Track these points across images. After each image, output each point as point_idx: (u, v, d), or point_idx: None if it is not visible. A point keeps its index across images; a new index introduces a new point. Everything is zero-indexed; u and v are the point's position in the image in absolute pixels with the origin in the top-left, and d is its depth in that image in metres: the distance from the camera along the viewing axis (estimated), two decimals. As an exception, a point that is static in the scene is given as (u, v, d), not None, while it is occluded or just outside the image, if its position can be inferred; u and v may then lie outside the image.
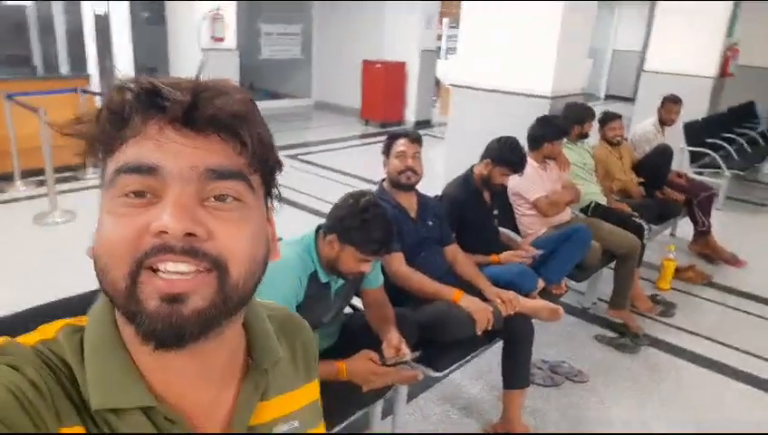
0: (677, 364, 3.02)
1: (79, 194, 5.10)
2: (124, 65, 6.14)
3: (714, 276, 4.04)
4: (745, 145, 6.30)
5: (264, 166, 0.59)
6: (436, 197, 2.83)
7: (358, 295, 2.09)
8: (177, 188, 0.53)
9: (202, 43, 6.22)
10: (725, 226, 4.50)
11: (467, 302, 2.17)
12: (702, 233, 4.36)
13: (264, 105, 10.04)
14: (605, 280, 3.51)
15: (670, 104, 4.42)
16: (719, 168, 5.64)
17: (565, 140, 3.57)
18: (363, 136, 8.73)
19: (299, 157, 7.06)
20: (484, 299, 2.29)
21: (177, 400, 0.59)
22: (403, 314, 2.06)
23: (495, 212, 2.98)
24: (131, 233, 0.52)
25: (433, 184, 3.06)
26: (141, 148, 0.54)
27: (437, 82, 10.23)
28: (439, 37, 9.87)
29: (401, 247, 2.31)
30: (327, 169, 6.58)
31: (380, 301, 2.05)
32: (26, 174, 5.16)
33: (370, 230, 1.75)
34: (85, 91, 5.33)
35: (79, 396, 0.55)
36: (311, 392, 0.75)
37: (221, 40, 6.36)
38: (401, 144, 2.38)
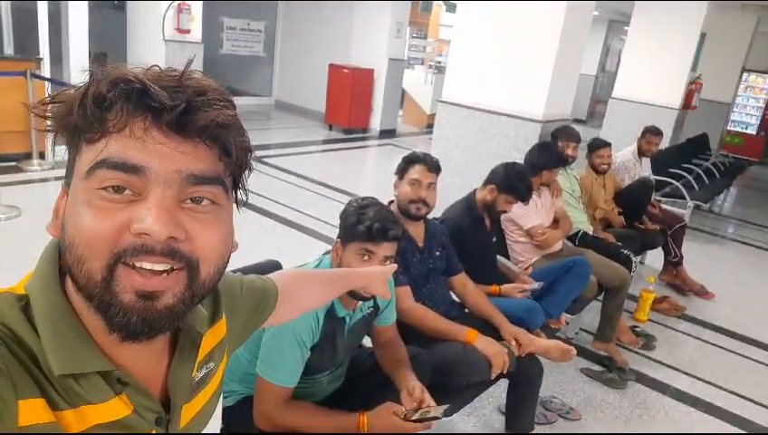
0: (664, 402, 2.98)
1: (23, 187, 4.64)
2: (77, 50, 5.67)
3: (687, 308, 4.08)
4: (703, 175, 6.51)
5: (239, 170, 0.63)
6: (436, 219, 2.68)
7: (368, 334, 1.90)
8: (159, 192, 0.55)
9: (166, 33, 5.83)
10: (689, 256, 4.58)
11: (483, 344, 2.01)
12: (673, 263, 4.41)
13: (222, 102, 9.62)
14: (587, 310, 3.45)
15: (651, 136, 4.46)
16: (681, 197, 5.77)
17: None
18: (326, 141, 8.51)
19: (262, 159, 6.75)
20: (498, 336, 2.15)
21: (126, 362, 0.62)
22: (417, 354, 1.88)
23: (494, 239, 2.86)
24: (111, 229, 0.54)
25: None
26: (127, 146, 0.54)
27: (402, 92, 10.12)
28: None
29: (408, 280, 2.14)
30: (288, 173, 6.32)
31: (393, 340, 1.87)
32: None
33: (365, 216, 1.59)
34: (35, 76, 4.86)
35: (36, 366, 0.56)
36: (219, 332, 0.79)
37: (187, 32, 6.00)
38: (417, 171, 2.20)
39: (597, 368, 3.16)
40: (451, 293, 2.45)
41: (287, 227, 4.69)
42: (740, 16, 8.28)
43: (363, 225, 1.56)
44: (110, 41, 7.31)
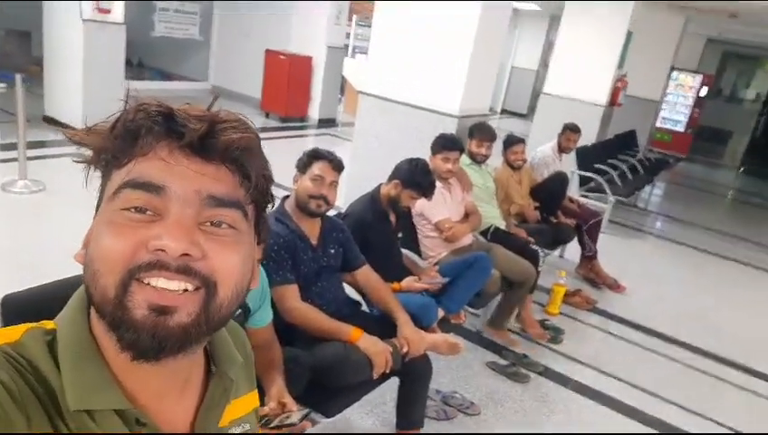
0: (565, 395, 3.07)
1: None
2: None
3: (598, 301, 4.20)
4: (627, 172, 6.73)
5: (261, 198, 0.64)
6: (339, 214, 2.65)
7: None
8: (178, 210, 0.56)
9: (84, 13, 5.53)
10: (608, 249, 4.73)
11: (366, 343, 1.99)
12: (588, 257, 4.53)
13: (156, 86, 9.28)
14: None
15: (570, 133, 4.56)
16: (604, 192, 5.94)
17: (469, 161, 3.53)
18: (263, 129, 8.32)
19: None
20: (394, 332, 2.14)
21: (146, 403, 0.61)
22: (295, 356, 1.85)
23: (400, 235, 2.84)
24: (129, 245, 0.55)
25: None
26: (150, 167, 0.56)
27: (344, 81, 10.01)
28: (347, 35, 9.64)
29: (297, 278, 2.09)
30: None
31: (268, 342, 1.82)
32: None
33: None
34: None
35: (50, 400, 0.55)
36: (254, 399, 0.79)
37: (107, 12, 5.70)
38: (320, 167, 2.13)
39: (502, 362, 3.21)
40: (347, 290, 2.42)
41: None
42: (668, 16, 8.56)
43: None
44: (28, 20, 6.89)
